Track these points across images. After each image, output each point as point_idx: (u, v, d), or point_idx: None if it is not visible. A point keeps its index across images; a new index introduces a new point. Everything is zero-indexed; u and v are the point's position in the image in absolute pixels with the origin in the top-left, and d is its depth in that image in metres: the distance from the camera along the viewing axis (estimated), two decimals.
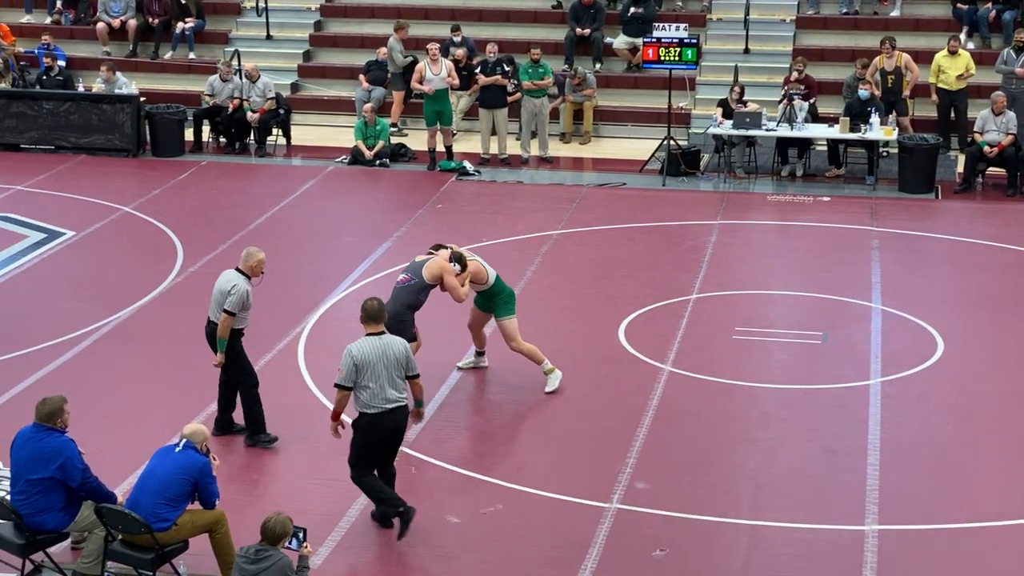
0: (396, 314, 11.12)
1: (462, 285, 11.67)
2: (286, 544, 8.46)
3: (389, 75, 21.70)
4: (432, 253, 11.78)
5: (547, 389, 12.05)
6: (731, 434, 11.46)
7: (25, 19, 24.40)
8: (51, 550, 9.16)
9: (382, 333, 9.59)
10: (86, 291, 14.84)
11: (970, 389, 12.30)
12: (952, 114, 20.04)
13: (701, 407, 11.96)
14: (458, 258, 11.73)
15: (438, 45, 20.13)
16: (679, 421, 11.65)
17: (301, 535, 8.59)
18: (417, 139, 20.76)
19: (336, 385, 9.59)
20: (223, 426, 11.26)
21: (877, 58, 19.91)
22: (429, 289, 11.60)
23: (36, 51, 22.87)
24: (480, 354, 12.58)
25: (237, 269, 11.01)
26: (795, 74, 19.86)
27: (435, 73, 19.48)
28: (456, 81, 19.89)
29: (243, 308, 10.88)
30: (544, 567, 9.26)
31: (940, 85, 19.88)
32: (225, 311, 10.77)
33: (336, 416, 9.76)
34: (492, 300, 12.08)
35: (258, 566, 8.25)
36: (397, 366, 9.49)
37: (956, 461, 10.96)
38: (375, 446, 9.63)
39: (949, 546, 9.69)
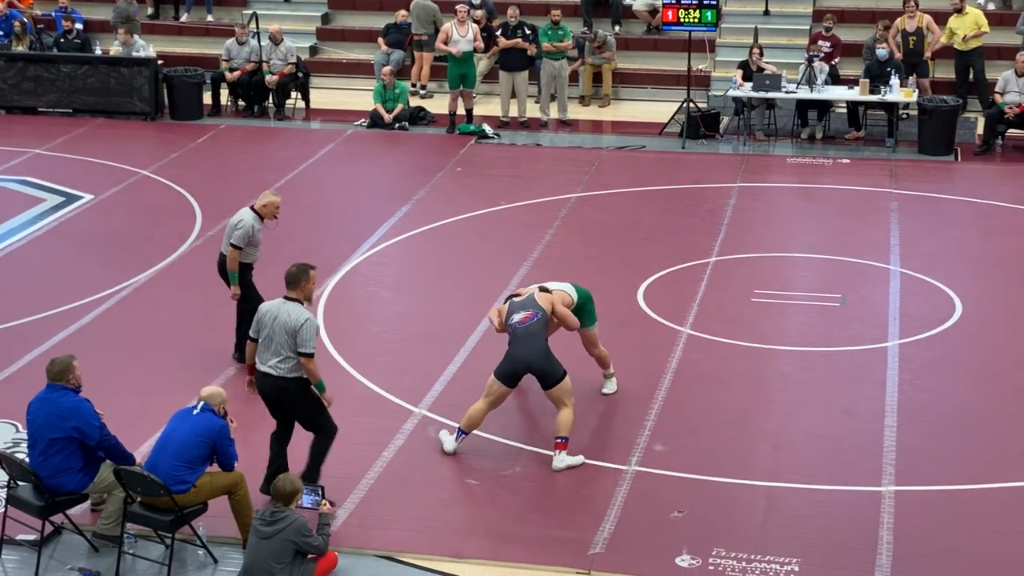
0: (544, 352, 10.16)
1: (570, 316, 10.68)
2: (301, 504, 8.52)
3: (413, 36, 21.57)
4: (543, 290, 10.75)
5: (604, 390, 11.32)
6: (749, 396, 11.46)
7: None
8: (71, 512, 9.23)
9: (293, 300, 9.51)
10: (105, 255, 14.88)
11: (988, 351, 12.26)
12: (971, 75, 19.88)
13: (720, 370, 11.96)
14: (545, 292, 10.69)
15: (467, 7, 20.02)
16: (698, 384, 11.66)
17: (318, 494, 8.65)
18: (438, 102, 20.72)
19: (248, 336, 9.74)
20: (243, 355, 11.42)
21: (899, 19, 19.76)
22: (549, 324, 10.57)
23: (54, 14, 22.86)
24: (608, 377, 11.42)
25: (251, 207, 11.50)
26: (823, 31, 19.74)
27: (462, 35, 19.39)
28: (481, 44, 19.81)
29: (249, 244, 11.39)
30: (563, 529, 9.29)
31: (956, 46, 19.73)
32: (232, 245, 11.34)
33: (249, 369, 9.84)
34: (581, 311, 10.91)
35: (275, 527, 8.31)
36: (284, 334, 9.38)
37: (973, 423, 10.93)
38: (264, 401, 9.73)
39: (966, 507, 9.69)
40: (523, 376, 10.23)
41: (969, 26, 19.56)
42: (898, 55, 19.31)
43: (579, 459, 10.20)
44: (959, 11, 19.62)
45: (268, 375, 9.48)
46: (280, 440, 9.76)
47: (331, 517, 8.76)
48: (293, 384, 9.46)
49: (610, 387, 11.43)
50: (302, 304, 9.53)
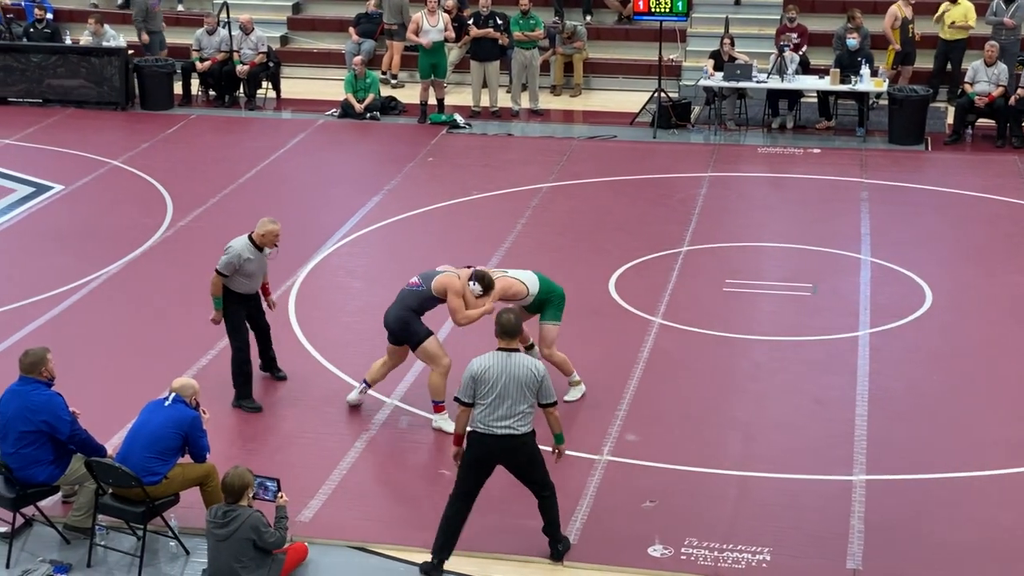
0: (398, 318, 10.54)
1: (485, 306, 10.50)
2: (260, 496, 8.47)
3: (384, 25, 21.54)
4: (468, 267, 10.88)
5: (567, 397, 11.05)
6: (721, 386, 11.51)
7: None
8: (42, 504, 9.21)
9: (514, 351, 8.65)
10: (75, 245, 14.81)
11: (958, 340, 12.35)
12: (948, 65, 19.97)
13: (691, 359, 12.00)
14: (480, 278, 10.52)
15: None
16: (669, 373, 11.69)
17: (274, 486, 8.59)
18: (409, 92, 20.68)
19: (455, 399, 8.76)
20: (266, 364, 11.49)
21: (895, 6, 19.74)
22: (435, 302, 10.61)
23: (23, 3, 22.70)
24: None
25: (250, 235, 10.82)
26: (787, 22, 19.81)
27: (432, 25, 19.35)
28: (452, 34, 19.77)
29: (238, 272, 10.66)
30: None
31: (940, 35, 19.81)
32: (216, 270, 10.69)
33: (457, 439, 8.81)
34: (544, 305, 10.87)
35: (228, 528, 8.24)
36: (523, 388, 8.50)
37: (944, 412, 11.01)
38: (472, 468, 8.71)
39: (937, 496, 9.75)
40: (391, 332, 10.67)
41: (958, 16, 19.65)
42: (896, 44, 19.40)
43: (450, 424, 10.02)
44: (954, 1, 19.69)
45: (505, 436, 8.51)
46: (469, 505, 8.78)
47: (286, 508, 8.66)
48: (531, 439, 8.66)
49: (574, 394, 11.13)
50: (520, 350, 8.78)
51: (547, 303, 10.87)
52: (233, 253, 10.65)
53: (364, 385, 10.98)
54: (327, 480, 9.90)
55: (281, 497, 8.64)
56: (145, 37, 21.20)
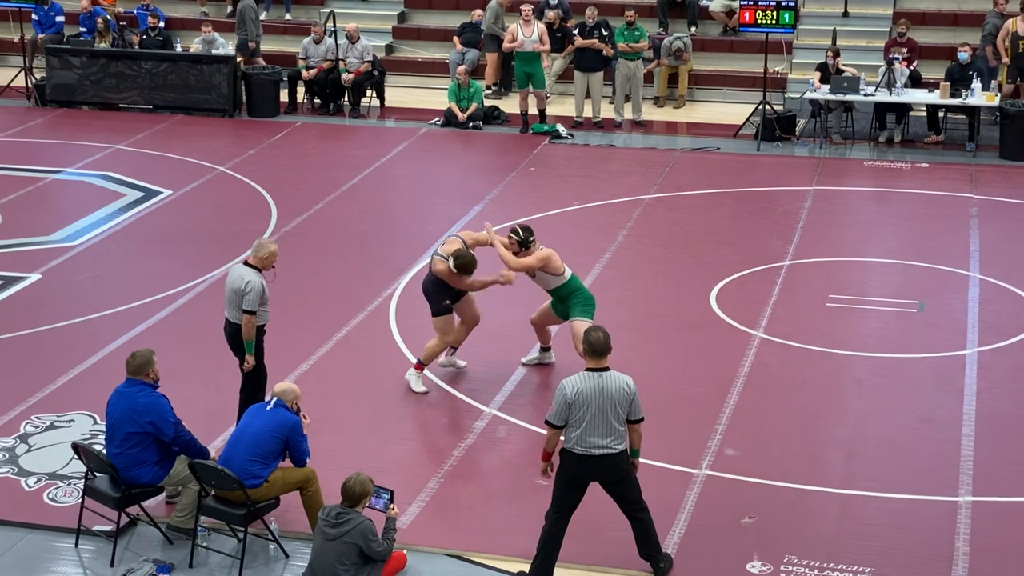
0: (424, 288, 11.50)
1: (526, 268, 11.06)
2: (371, 505, 8.51)
3: (483, 37, 21.68)
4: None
5: (523, 360, 11.91)
6: (823, 402, 11.34)
7: None
8: (146, 504, 9.34)
9: (605, 369, 8.50)
10: (182, 250, 15.04)
11: None
12: None
13: (793, 374, 11.85)
14: (522, 240, 11.17)
15: (531, 7, 20.03)
16: (770, 388, 11.56)
17: (387, 496, 8.62)
18: (512, 102, 20.74)
19: (546, 421, 8.64)
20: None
21: (1010, 21, 19.33)
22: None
23: (136, 11, 23.14)
24: (545, 350, 11.85)
25: (246, 263, 10.34)
26: (897, 37, 19.51)
27: (526, 35, 19.42)
28: (547, 47, 19.79)
29: (262, 303, 10.24)
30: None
31: None
32: (246, 312, 10.13)
33: (545, 456, 8.76)
34: (567, 300, 11.18)
35: (339, 529, 8.29)
36: (617, 407, 8.42)
37: None
38: (569, 488, 8.60)
39: None
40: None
41: None
42: (1005, 59, 19.01)
43: (423, 389, 11.37)
44: None
45: (603, 457, 8.42)
46: (566, 523, 8.67)
47: (396, 520, 8.70)
48: (626, 456, 8.58)
49: (533, 356, 11.93)
50: (609, 368, 8.54)
51: (574, 297, 11.19)
52: (256, 285, 10.12)
53: (451, 349, 11.77)
54: (424, 488, 9.93)
55: (392, 509, 8.65)
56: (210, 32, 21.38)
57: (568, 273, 11.22)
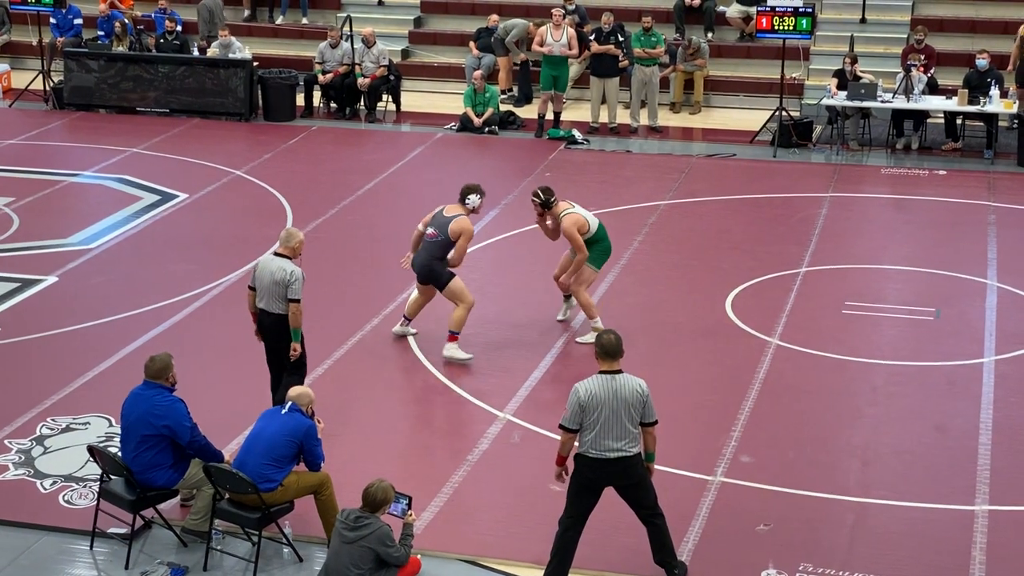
0: (423, 266, 11.94)
1: (580, 246, 12.00)
2: (389, 511, 8.51)
3: (493, 40, 21.65)
4: (469, 196, 12.16)
5: (578, 339, 12.37)
6: (838, 410, 11.31)
7: None
8: (161, 507, 9.35)
9: (617, 372, 8.48)
10: (197, 253, 15.07)
11: None
12: None
13: (808, 382, 11.82)
14: (543, 202, 12.14)
15: (562, 11, 20.03)
16: (785, 395, 11.53)
17: (405, 503, 8.60)
18: (527, 107, 20.72)
19: (560, 425, 8.59)
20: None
21: (1022, 27, 19.28)
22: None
23: (153, 15, 23.21)
24: (568, 297, 12.71)
25: (277, 254, 10.53)
26: (914, 43, 19.44)
27: (555, 39, 19.41)
28: (575, 52, 19.77)
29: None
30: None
31: None
32: (293, 301, 10.32)
33: (560, 460, 8.73)
34: (589, 247, 12.18)
35: (357, 533, 8.29)
36: (631, 409, 8.39)
37: None
38: (584, 492, 8.60)
39: None
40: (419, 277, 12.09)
41: None
42: (1010, 68, 18.92)
43: (466, 356, 11.83)
44: None
45: (618, 460, 8.41)
46: (580, 528, 8.66)
47: (413, 526, 8.69)
48: (640, 459, 8.56)
49: (587, 338, 12.08)
50: (622, 371, 8.49)
51: (596, 247, 12.04)
52: (298, 274, 10.34)
53: (405, 320, 12.37)
54: (439, 493, 9.92)
55: (410, 515, 8.63)
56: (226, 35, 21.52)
57: (595, 225, 12.19)
